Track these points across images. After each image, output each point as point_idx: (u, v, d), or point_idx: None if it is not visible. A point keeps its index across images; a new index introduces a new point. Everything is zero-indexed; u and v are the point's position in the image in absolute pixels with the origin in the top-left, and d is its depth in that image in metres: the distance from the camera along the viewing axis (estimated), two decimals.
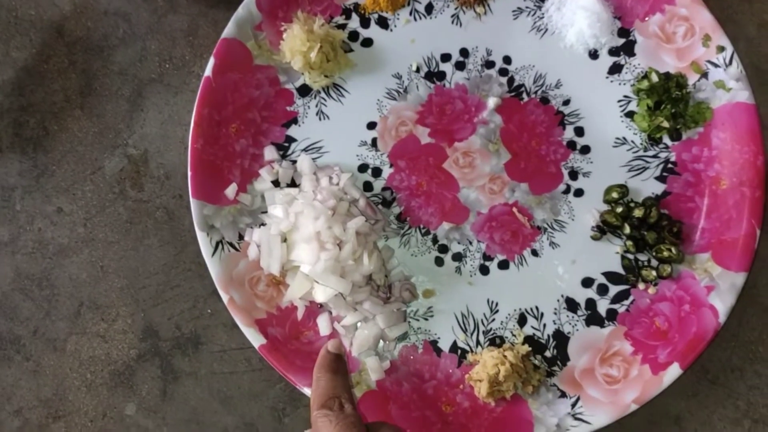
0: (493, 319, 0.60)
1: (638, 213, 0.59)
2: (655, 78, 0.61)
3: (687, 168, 0.61)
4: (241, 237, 0.60)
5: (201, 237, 0.58)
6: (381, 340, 0.59)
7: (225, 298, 0.57)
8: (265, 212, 0.60)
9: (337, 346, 0.52)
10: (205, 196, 0.59)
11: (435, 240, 0.61)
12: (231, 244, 0.59)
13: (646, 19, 0.63)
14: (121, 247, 0.61)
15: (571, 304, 0.59)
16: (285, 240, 0.58)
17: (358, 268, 0.56)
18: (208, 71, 0.60)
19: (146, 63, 0.64)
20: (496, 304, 0.60)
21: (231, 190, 0.60)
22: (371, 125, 0.63)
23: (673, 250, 0.59)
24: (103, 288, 0.61)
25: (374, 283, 0.58)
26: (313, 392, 0.48)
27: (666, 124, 0.60)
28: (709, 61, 0.61)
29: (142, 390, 0.60)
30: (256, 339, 0.57)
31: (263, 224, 0.60)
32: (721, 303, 0.57)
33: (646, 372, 0.57)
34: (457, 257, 0.60)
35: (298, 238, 0.57)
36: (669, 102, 0.61)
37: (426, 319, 0.60)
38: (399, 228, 0.61)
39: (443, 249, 0.61)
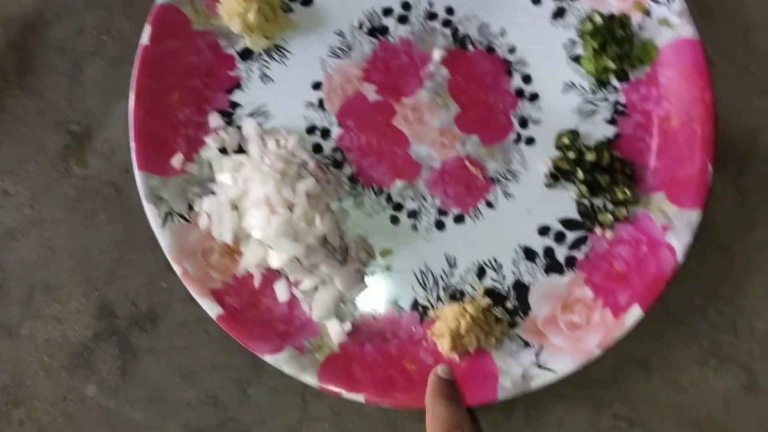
0: (452, 274, 0.59)
1: (590, 157, 0.59)
2: (598, 19, 0.61)
3: (636, 108, 0.61)
4: (191, 207, 0.59)
5: (149, 209, 0.57)
6: (341, 303, 0.58)
7: (178, 270, 0.56)
8: (214, 181, 0.59)
9: (448, 371, 0.51)
10: (150, 168, 0.58)
11: (389, 199, 0.60)
12: (181, 215, 0.58)
13: None
14: (71, 226, 0.60)
15: (530, 254, 0.59)
16: (236, 207, 0.57)
17: (311, 230, 0.56)
18: (144, 40, 0.59)
19: (84, 37, 0.63)
20: (455, 259, 0.59)
21: (177, 160, 0.59)
22: (317, 86, 0.62)
23: (627, 191, 0.59)
24: (54, 269, 0.60)
25: (330, 245, 0.58)
26: (431, 422, 0.46)
27: (612, 65, 0.60)
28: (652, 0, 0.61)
29: (102, 370, 0.59)
30: (212, 309, 0.56)
31: (213, 193, 0.58)
32: (678, 242, 0.57)
33: (608, 316, 0.57)
34: (413, 214, 0.60)
35: (248, 205, 0.56)
36: (614, 43, 0.60)
37: (385, 279, 0.59)
38: (352, 189, 0.60)
39: (398, 207, 0.60)
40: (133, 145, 0.57)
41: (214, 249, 0.58)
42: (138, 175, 0.57)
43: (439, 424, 0.46)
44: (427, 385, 0.50)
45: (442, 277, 0.59)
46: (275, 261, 0.55)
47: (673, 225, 0.57)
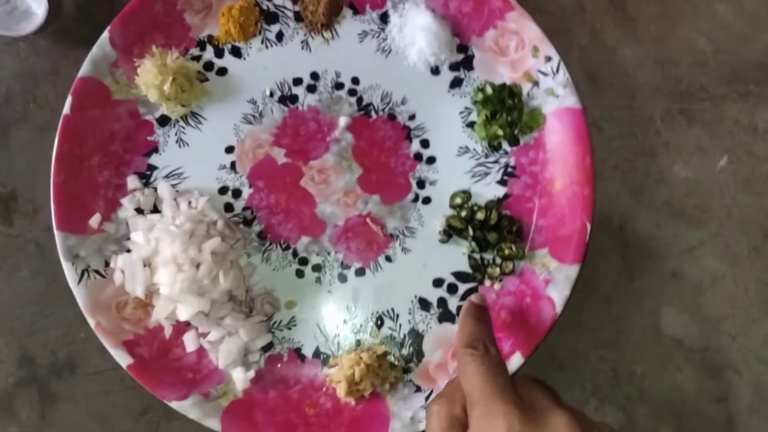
0: (353, 324, 0.64)
1: (480, 216, 0.64)
2: (489, 90, 0.66)
3: (525, 171, 0.66)
4: (107, 264, 0.63)
5: (66, 267, 0.61)
6: (246, 352, 0.62)
7: (92, 323, 0.61)
8: (130, 238, 0.63)
9: (480, 298, 0.56)
10: (69, 228, 0.62)
11: (295, 254, 0.65)
12: (97, 271, 0.62)
13: (482, 35, 0.67)
14: None
15: (424, 304, 0.64)
16: (148, 264, 0.62)
17: (215, 286, 0.60)
18: (66, 109, 0.63)
19: (12, 104, 0.67)
20: (355, 309, 0.64)
21: (95, 220, 0.63)
22: (229, 149, 0.66)
23: (513, 248, 0.64)
24: None
25: (236, 298, 0.62)
26: (459, 333, 0.52)
27: (501, 133, 0.65)
28: (539, 71, 0.66)
29: (22, 415, 0.63)
30: (123, 359, 0.60)
31: (128, 250, 0.63)
32: (557, 294, 0.62)
33: None
34: (317, 268, 0.65)
35: (158, 262, 0.61)
36: (504, 111, 0.66)
37: (289, 329, 0.64)
38: (260, 245, 0.65)
39: (303, 261, 0.65)
40: (52, 207, 0.61)
41: (128, 302, 0.62)
42: (57, 235, 0.61)
43: (464, 335, 0.51)
44: (462, 308, 0.56)
45: (342, 327, 0.63)
46: (183, 314, 0.60)
47: (554, 279, 0.62)
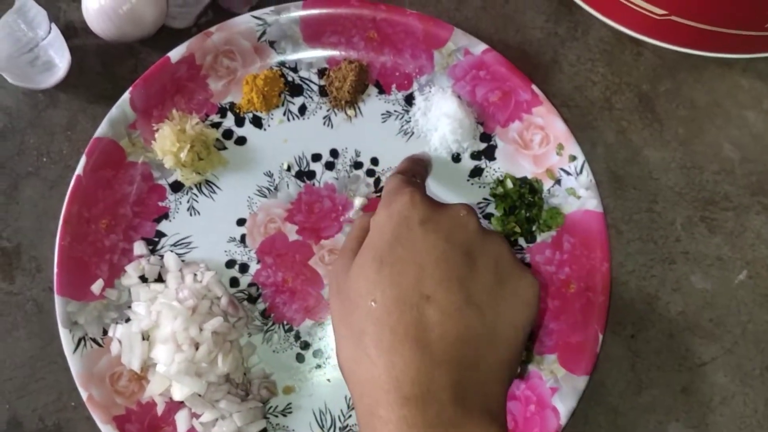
0: (350, 415, 0.62)
1: None
2: (509, 184, 0.65)
3: (540, 270, 0.65)
4: (105, 332, 0.61)
5: (63, 334, 0.60)
6: None
7: (84, 394, 0.59)
8: (131, 307, 0.62)
9: (424, 154, 0.64)
10: (70, 293, 0.61)
11: (297, 336, 0.63)
12: (94, 340, 0.61)
13: (506, 126, 0.66)
14: None
15: None
16: (147, 337, 0.60)
17: (213, 369, 0.59)
18: (79, 169, 0.62)
19: (24, 156, 0.66)
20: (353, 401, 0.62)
21: (97, 287, 0.62)
22: (241, 222, 0.65)
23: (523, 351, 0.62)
24: None
25: (233, 381, 0.61)
26: (395, 169, 0.59)
27: (518, 230, 0.64)
28: (562, 169, 0.65)
29: None
30: None
31: (128, 320, 0.61)
32: (563, 406, 0.60)
33: None
34: (318, 354, 0.63)
35: (157, 337, 0.59)
36: (523, 207, 0.64)
37: (285, 415, 0.62)
38: (263, 324, 0.63)
39: (305, 345, 0.63)
40: (55, 270, 0.60)
41: (123, 374, 0.61)
42: (57, 301, 0.60)
43: (400, 167, 0.61)
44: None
45: (339, 418, 0.62)
46: (177, 394, 0.58)
47: (561, 388, 0.61)
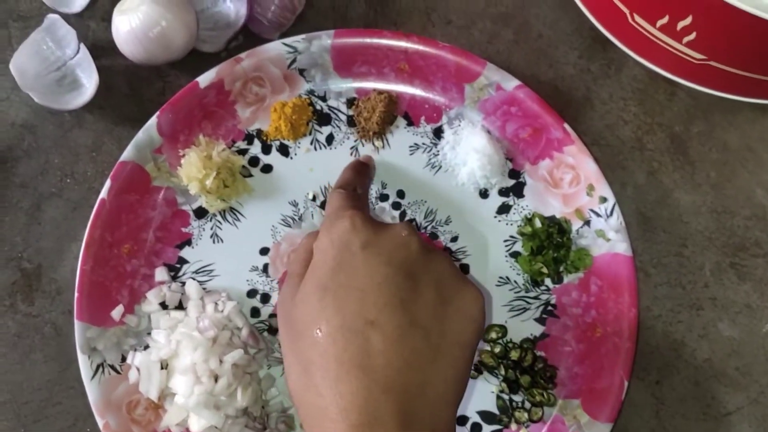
0: None
1: (514, 355, 0.61)
2: (538, 223, 0.64)
3: (566, 312, 0.63)
4: (123, 359, 0.61)
5: (82, 360, 0.59)
6: None
7: (101, 422, 0.58)
8: (150, 333, 0.61)
9: (368, 158, 0.63)
10: (90, 319, 0.60)
11: None
12: (112, 367, 0.60)
13: (536, 163, 0.65)
14: (7, 360, 0.62)
15: None
16: (166, 366, 0.59)
17: (232, 402, 0.58)
18: (103, 193, 0.62)
19: (48, 177, 0.65)
20: None
21: (117, 312, 0.61)
22: (264, 251, 0.64)
23: (545, 394, 0.61)
24: None
25: (251, 414, 0.60)
26: (337, 180, 0.59)
27: (546, 271, 0.63)
28: (592, 210, 0.64)
29: None
30: None
31: (147, 347, 0.61)
32: None
33: None
34: None
35: (177, 367, 0.58)
36: (551, 248, 0.63)
37: None
38: (282, 356, 0.62)
39: None
40: (76, 295, 0.59)
41: (140, 402, 0.60)
42: (76, 326, 0.59)
43: (340, 180, 0.60)
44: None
45: None
46: (195, 426, 0.58)
47: None
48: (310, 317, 0.46)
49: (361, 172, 0.60)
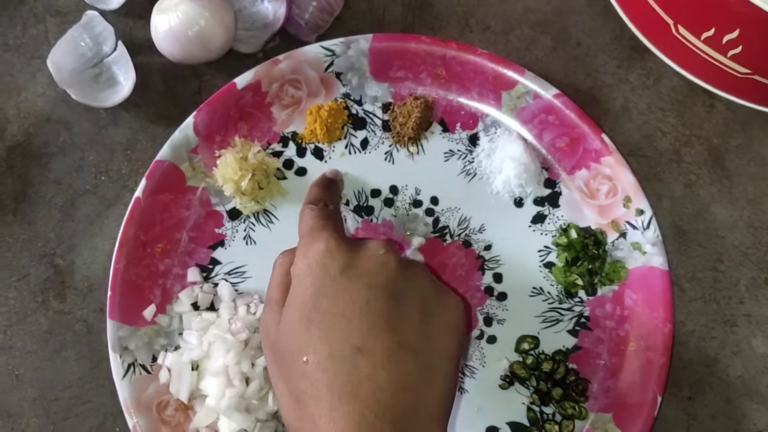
0: None
1: (546, 367, 0.61)
2: (573, 234, 0.63)
3: (599, 324, 0.63)
4: (154, 359, 0.60)
5: (113, 359, 0.59)
6: None
7: (131, 422, 0.58)
8: (182, 334, 0.61)
9: (335, 173, 0.62)
10: (122, 318, 0.60)
11: None
12: (143, 366, 0.60)
13: (572, 173, 0.64)
14: (39, 357, 0.62)
15: None
16: (197, 367, 0.59)
17: (263, 406, 0.58)
18: (138, 192, 0.61)
19: (82, 173, 0.65)
20: None
21: (149, 312, 0.61)
22: None
23: (577, 408, 0.60)
24: (16, 397, 0.62)
25: (281, 418, 0.59)
26: (305, 196, 0.57)
27: (580, 282, 0.62)
28: (629, 222, 0.63)
29: None
30: None
31: (178, 347, 0.60)
32: None
33: None
34: None
35: (208, 369, 0.58)
36: (586, 259, 0.62)
37: None
38: None
39: None
40: (109, 293, 0.59)
41: (170, 403, 0.60)
42: (109, 324, 0.59)
43: (309, 196, 0.58)
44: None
45: None
46: (225, 428, 0.58)
47: None
48: (297, 347, 0.45)
49: (330, 188, 0.59)
